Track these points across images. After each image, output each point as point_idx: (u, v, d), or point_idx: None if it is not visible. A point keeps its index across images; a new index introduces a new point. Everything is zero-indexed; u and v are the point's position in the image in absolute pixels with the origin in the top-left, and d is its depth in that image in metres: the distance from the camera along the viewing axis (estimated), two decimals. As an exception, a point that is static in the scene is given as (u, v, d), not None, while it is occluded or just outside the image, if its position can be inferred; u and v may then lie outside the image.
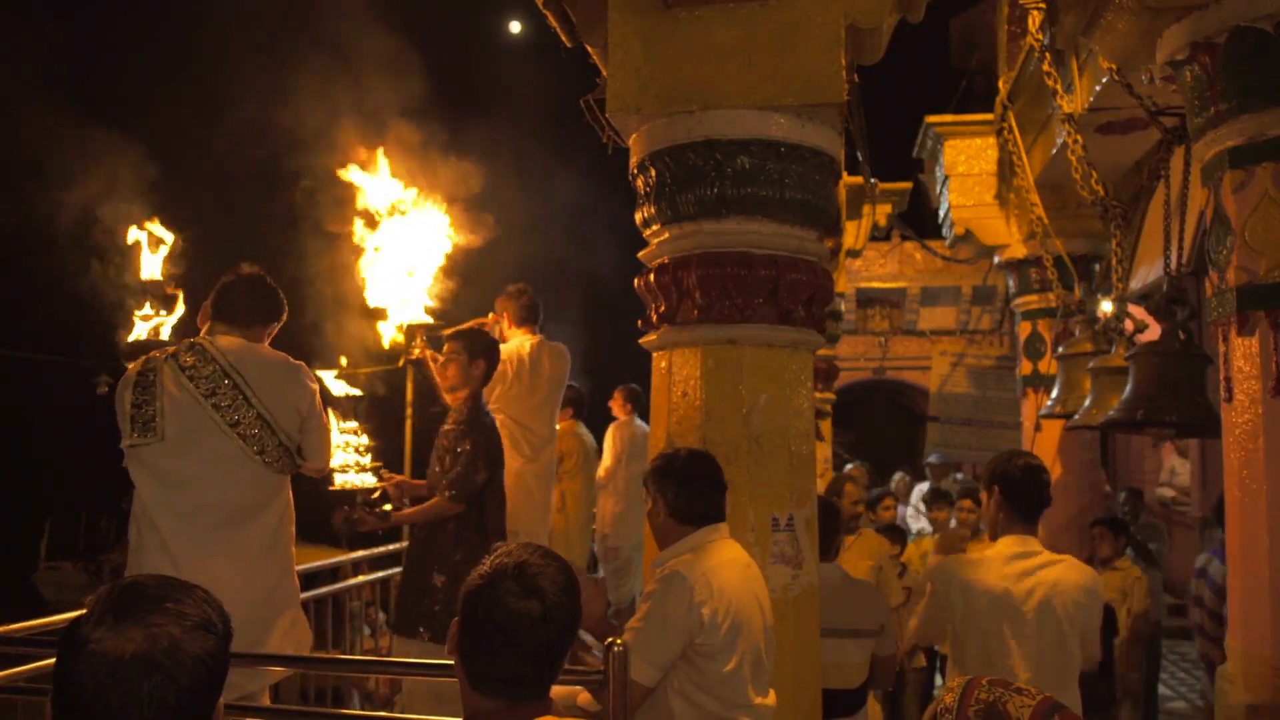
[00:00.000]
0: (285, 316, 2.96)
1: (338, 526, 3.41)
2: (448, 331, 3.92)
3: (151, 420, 2.60)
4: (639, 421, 6.51)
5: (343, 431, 3.45)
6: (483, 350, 3.69)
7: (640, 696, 2.15)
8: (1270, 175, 2.61)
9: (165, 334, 3.03)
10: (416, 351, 3.89)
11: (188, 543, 2.60)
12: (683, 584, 2.20)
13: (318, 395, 2.86)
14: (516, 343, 4.43)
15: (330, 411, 3.20)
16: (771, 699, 2.33)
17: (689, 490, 2.34)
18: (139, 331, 2.99)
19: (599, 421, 6.65)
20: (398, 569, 4.86)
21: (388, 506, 3.52)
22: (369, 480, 3.48)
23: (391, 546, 5.12)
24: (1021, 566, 2.68)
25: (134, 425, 2.60)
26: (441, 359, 3.73)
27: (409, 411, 5.00)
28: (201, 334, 2.81)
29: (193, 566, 2.52)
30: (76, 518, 15.62)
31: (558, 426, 4.75)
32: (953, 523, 5.96)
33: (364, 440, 3.52)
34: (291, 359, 2.84)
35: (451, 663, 1.47)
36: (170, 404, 2.62)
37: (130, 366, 2.73)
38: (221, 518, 2.65)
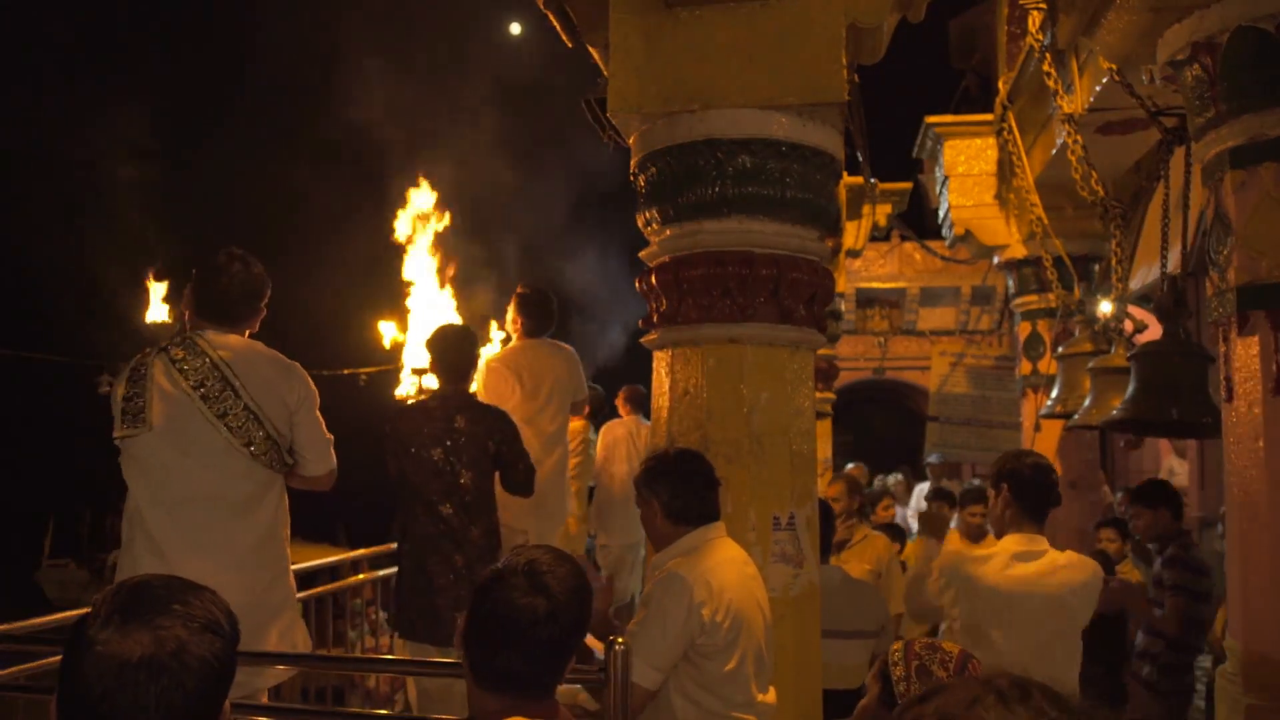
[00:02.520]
0: (268, 295, 2.85)
1: None
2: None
3: (140, 412, 2.58)
4: (642, 420, 6.51)
5: None
6: (437, 351, 3.72)
7: (644, 699, 2.15)
8: (1271, 175, 2.61)
9: None
10: None
11: (175, 537, 2.57)
12: (682, 585, 2.20)
13: (314, 397, 2.80)
14: (510, 347, 4.47)
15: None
16: (772, 697, 2.33)
17: (683, 490, 2.33)
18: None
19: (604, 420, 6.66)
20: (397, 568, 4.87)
21: None
22: None
23: (392, 545, 5.12)
24: (1028, 564, 2.68)
25: (124, 417, 2.58)
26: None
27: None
28: (188, 328, 2.77)
29: (181, 562, 2.48)
30: (80, 516, 15.62)
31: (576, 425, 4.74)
32: (953, 523, 5.95)
33: None
34: (284, 357, 2.79)
35: (445, 660, 1.47)
36: (159, 395, 2.60)
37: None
38: (210, 513, 2.61)
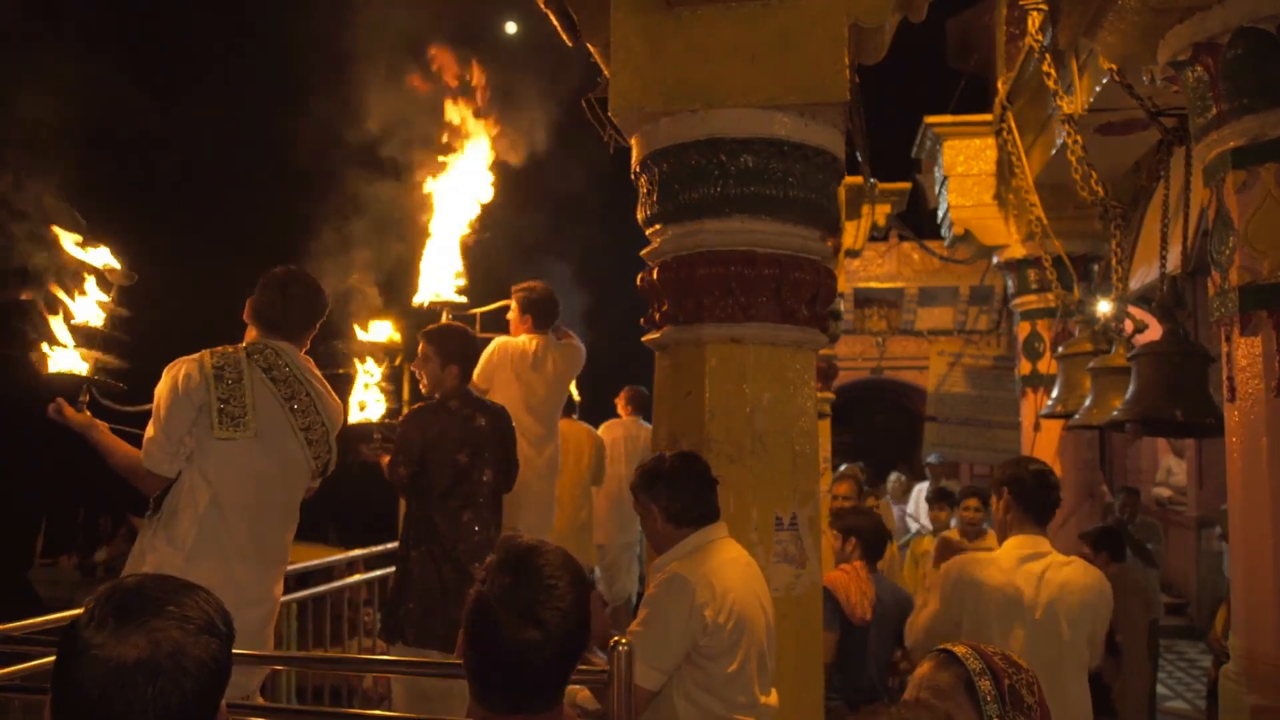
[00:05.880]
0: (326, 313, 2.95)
1: (366, 454, 3.52)
2: (476, 310, 3.92)
3: (242, 416, 2.62)
4: (641, 422, 6.51)
5: (367, 374, 3.62)
6: (456, 354, 3.61)
7: (645, 701, 2.14)
8: (1273, 175, 2.61)
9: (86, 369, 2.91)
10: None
11: (254, 540, 2.65)
12: (684, 587, 2.19)
13: None
14: (522, 341, 4.43)
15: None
16: (774, 698, 2.33)
17: (681, 493, 2.32)
18: (62, 364, 2.89)
19: (604, 421, 6.66)
20: (394, 568, 4.86)
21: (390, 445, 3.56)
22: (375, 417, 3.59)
23: (389, 545, 5.11)
24: (1030, 567, 2.68)
25: (222, 419, 2.61)
26: (417, 359, 3.72)
27: (405, 411, 5.01)
28: (249, 338, 2.82)
29: (255, 564, 2.62)
30: (74, 515, 15.59)
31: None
32: (953, 522, 5.96)
33: (382, 374, 3.64)
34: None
35: (446, 661, 1.42)
36: (260, 401, 2.66)
37: (196, 358, 2.68)
38: (273, 518, 2.72)
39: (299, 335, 2.84)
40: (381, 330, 3.76)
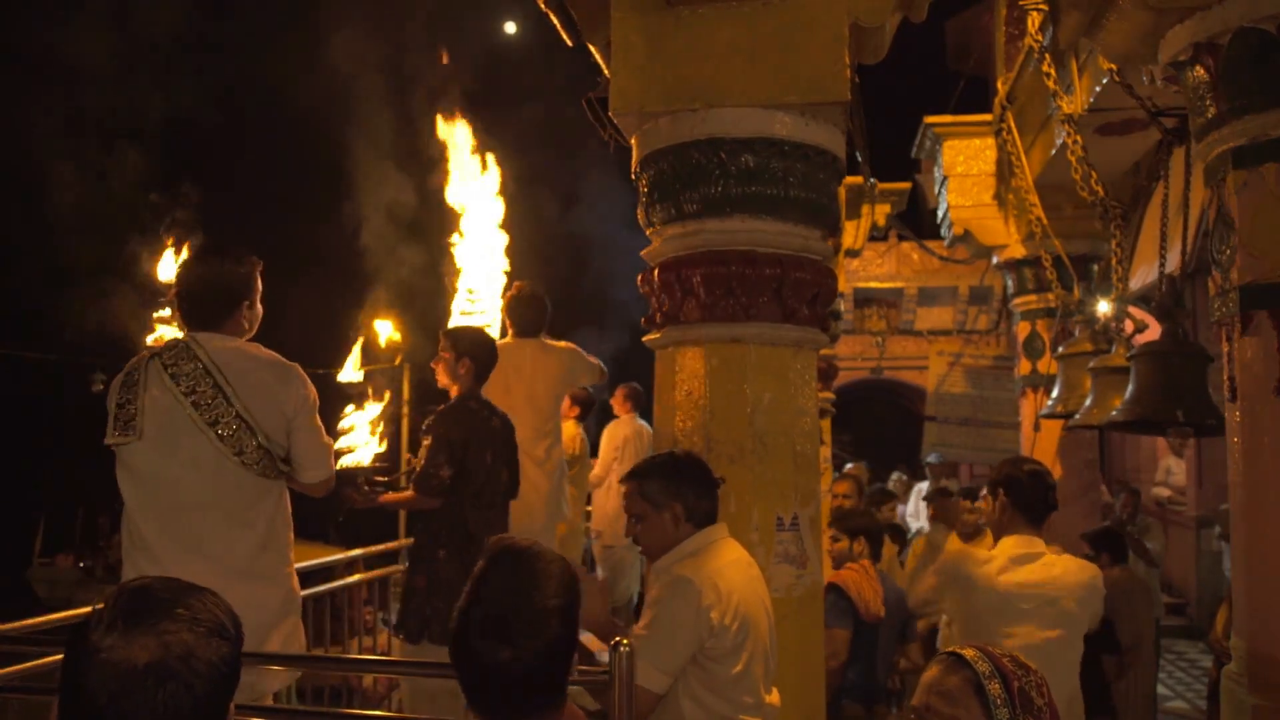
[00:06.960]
0: (258, 280, 2.71)
1: (343, 504, 3.37)
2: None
3: (132, 419, 2.51)
4: (639, 420, 6.50)
5: (356, 413, 3.51)
6: (468, 349, 3.66)
7: (650, 703, 2.13)
8: (1274, 175, 2.60)
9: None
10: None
11: (170, 544, 2.51)
12: (689, 589, 2.17)
13: (313, 402, 2.68)
14: (511, 346, 4.45)
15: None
16: (775, 698, 2.32)
17: (705, 491, 2.30)
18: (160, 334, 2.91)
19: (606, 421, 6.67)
20: (395, 567, 4.87)
21: (383, 488, 3.48)
22: (366, 460, 3.45)
23: (390, 544, 5.12)
24: (1024, 566, 2.69)
25: (115, 424, 2.52)
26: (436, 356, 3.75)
27: (405, 410, 5.03)
28: (186, 332, 2.69)
29: (177, 568, 2.36)
30: (74, 514, 15.59)
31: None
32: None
33: (376, 414, 3.54)
34: (284, 360, 2.68)
35: (449, 662, 1.41)
36: (150, 403, 2.52)
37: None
38: (203, 521, 2.54)
39: (220, 321, 2.63)
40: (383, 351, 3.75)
